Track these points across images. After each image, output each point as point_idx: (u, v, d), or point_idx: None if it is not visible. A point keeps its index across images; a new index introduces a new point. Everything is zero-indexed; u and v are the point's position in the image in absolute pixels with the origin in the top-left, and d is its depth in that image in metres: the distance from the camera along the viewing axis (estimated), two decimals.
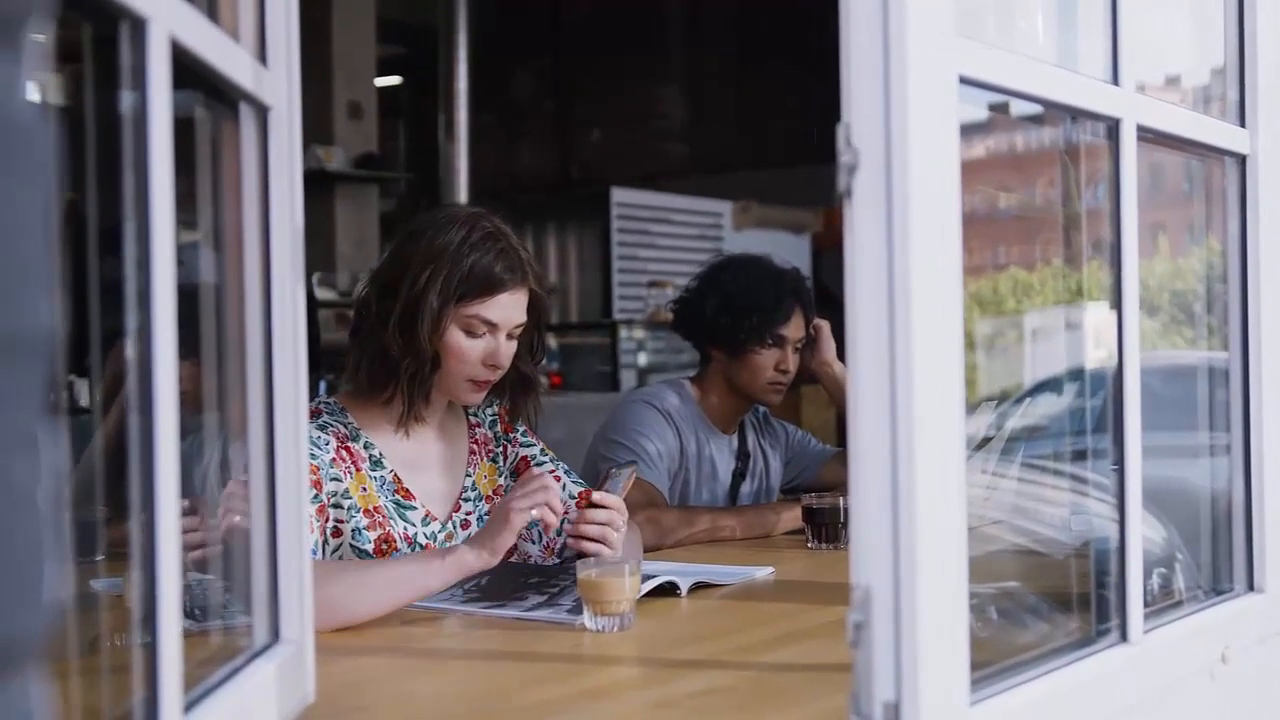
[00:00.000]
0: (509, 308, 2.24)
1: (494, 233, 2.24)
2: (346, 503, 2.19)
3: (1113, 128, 1.55)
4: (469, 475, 2.39)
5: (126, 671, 1.12)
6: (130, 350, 1.04)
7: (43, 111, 0.62)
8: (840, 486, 2.97)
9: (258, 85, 1.35)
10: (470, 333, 2.23)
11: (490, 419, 2.46)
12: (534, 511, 2.00)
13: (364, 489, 2.22)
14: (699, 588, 2.23)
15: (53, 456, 0.63)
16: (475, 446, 2.42)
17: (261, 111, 1.38)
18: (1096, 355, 1.92)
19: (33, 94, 0.61)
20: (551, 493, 2.02)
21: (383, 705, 1.63)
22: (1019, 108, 1.61)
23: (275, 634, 1.41)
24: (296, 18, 1.44)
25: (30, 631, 0.60)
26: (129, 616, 1.36)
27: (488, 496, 2.39)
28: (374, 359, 2.24)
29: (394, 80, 10.11)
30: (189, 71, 1.15)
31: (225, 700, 1.21)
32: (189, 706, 1.12)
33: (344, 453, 2.22)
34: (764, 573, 2.40)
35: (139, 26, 1.02)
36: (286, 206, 1.41)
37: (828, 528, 2.70)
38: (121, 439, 1.09)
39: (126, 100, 1.04)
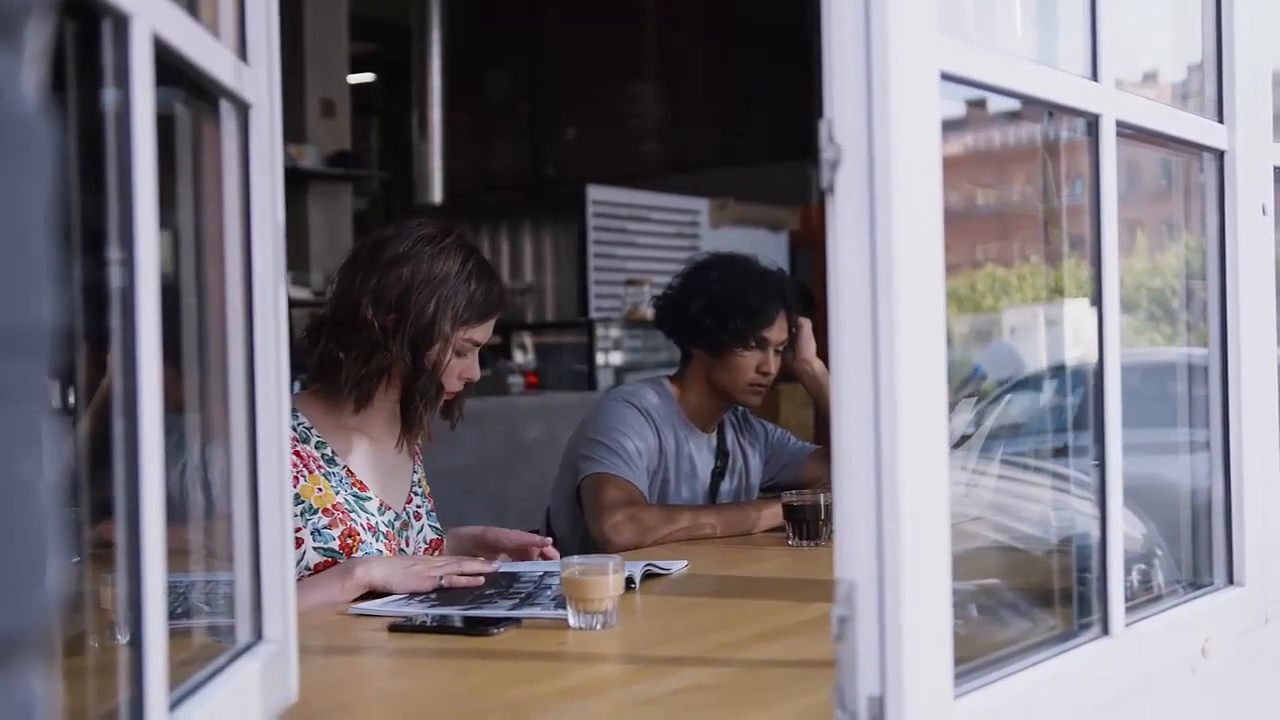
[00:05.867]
0: (491, 329, 2.43)
1: (484, 259, 2.41)
2: (299, 507, 2.24)
3: (1092, 123, 1.56)
4: (415, 472, 2.52)
5: (109, 671, 1.12)
6: (113, 350, 1.04)
7: (43, 108, 0.62)
8: (820, 484, 2.98)
9: (238, 82, 1.35)
10: (459, 353, 2.37)
11: None
12: (443, 581, 2.18)
13: (319, 489, 2.30)
14: (649, 576, 2.29)
15: (55, 451, 0.63)
16: (417, 449, 2.55)
17: (242, 109, 1.38)
18: (1075, 352, 1.93)
19: (32, 91, 0.61)
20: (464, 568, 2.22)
21: (365, 704, 1.63)
22: (996, 104, 1.61)
23: (258, 633, 1.40)
24: (276, 14, 1.43)
25: (35, 626, 0.60)
26: (105, 617, 1.35)
27: (428, 494, 2.55)
28: (376, 374, 2.32)
29: (367, 77, 10.09)
30: (169, 68, 1.14)
31: (209, 699, 1.21)
32: (173, 705, 1.12)
33: (294, 456, 2.27)
34: (679, 565, 2.44)
35: (122, 23, 1.02)
36: (268, 205, 1.41)
37: (808, 525, 2.70)
38: (99, 438, 1.08)
39: (109, 97, 1.03)
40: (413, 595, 2.13)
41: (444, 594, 2.14)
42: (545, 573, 2.27)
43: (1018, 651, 1.45)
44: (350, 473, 2.36)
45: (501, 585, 2.20)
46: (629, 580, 2.17)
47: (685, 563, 2.46)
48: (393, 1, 8.85)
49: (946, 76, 1.27)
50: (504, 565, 2.35)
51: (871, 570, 1.19)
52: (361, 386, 2.32)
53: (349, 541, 2.29)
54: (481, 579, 2.20)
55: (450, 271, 2.33)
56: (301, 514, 2.25)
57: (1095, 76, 1.55)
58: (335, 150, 7.95)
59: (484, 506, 5.17)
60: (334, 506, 2.30)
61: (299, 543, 2.23)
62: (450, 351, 2.34)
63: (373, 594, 2.15)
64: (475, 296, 2.35)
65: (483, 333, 2.39)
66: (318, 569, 2.24)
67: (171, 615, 1.13)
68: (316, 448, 2.34)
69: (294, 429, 2.31)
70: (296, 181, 7.51)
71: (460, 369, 2.38)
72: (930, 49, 1.24)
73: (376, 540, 2.32)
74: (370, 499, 2.37)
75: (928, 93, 1.23)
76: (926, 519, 1.22)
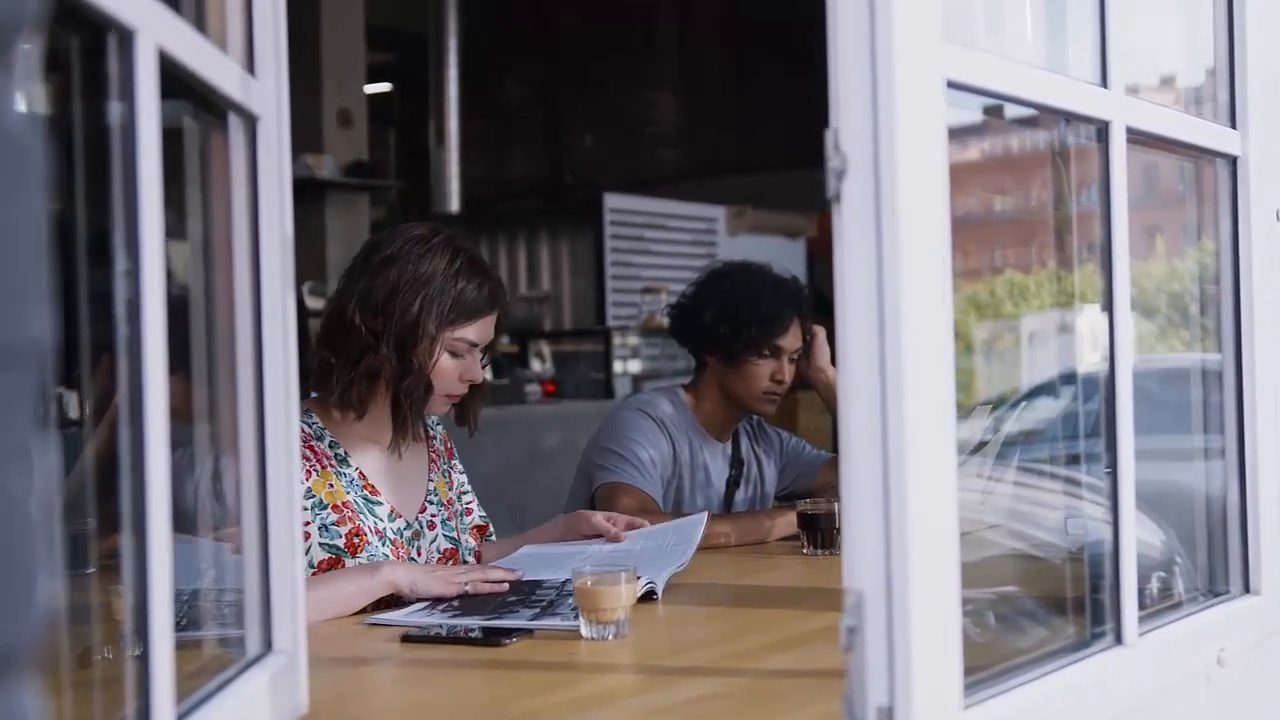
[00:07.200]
0: (489, 328, 2.40)
1: (474, 258, 2.39)
2: (309, 501, 2.25)
3: (1102, 130, 1.55)
4: (431, 481, 2.51)
5: (118, 684, 1.12)
6: (120, 361, 1.04)
7: (34, 123, 0.62)
8: (835, 491, 2.97)
9: (246, 95, 1.35)
10: (454, 353, 2.36)
11: (440, 435, 2.59)
12: (468, 587, 2.18)
13: (330, 485, 2.31)
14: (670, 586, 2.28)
15: (46, 467, 0.63)
16: (434, 455, 2.54)
17: (250, 121, 1.38)
18: (1092, 359, 1.92)
19: (23, 105, 0.61)
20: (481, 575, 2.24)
21: (375, 716, 1.63)
22: (1013, 110, 1.61)
23: (268, 644, 1.40)
24: (284, 27, 1.43)
25: (25, 641, 0.61)
26: (117, 628, 1.36)
27: (446, 503, 2.52)
28: (364, 378, 2.32)
29: (384, 87, 10.09)
30: (176, 81, 1.15)
31: (218, 711, 1.21)
32: (181, 717, 1.12)
33: (308, 451, 2.30)
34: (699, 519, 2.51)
35: (127, 37, 1.02)
36: (276, 216, 1.41)
37: (823, 533, 2.69)
38: (111, 451, 1.09)
39: (114, 110, 1.04)
40: (435, 604, 2.13)
41: (467, 603, 2.14)
42: (566, 580, 2.26)
43: (1029, 661, 1.44)
44: (363, 476, 2.36)
45: (524, 593, 2.20)
46: (651, 592, 2.17)
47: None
48: (409, 11, 8.86)
49: (952, 84, 1.26)
50: (527, 573, 2.34)
51: (880, 580, 1.18)
52: (351, 390, 2.31)
53: (355, 541, 2.28)
54: (505, 586, 2.21)
55: (436, 270, 2.32)
56: (311, 508, 2.25)
57: (1104, 83, 1.55)
58: (352, 160, 7.95)
59: (503, 514, 5.15)
60: (343, 504, 2.30)
61: (305, 536, 2.23)
62: (438, 351, 2.33)
63: (391, 601, 2.14)
64: (463, 295, 2.33)
65: (476, 332, 2.36)
66: (322, 566, 2.24)
67: (179, 626, 1.13)
68: (330, 447, 2.35)
69: (309, 427, 2.33)
70: (314, 191, 7.51)
71: (460, 370, 2.36)
72: (935, 57, 1.23)
73: (383, 545, 2.32)
74: (381, 504, 2.37)
75: (933, 101, 1.23)
76: (935, 528, 1.21)
